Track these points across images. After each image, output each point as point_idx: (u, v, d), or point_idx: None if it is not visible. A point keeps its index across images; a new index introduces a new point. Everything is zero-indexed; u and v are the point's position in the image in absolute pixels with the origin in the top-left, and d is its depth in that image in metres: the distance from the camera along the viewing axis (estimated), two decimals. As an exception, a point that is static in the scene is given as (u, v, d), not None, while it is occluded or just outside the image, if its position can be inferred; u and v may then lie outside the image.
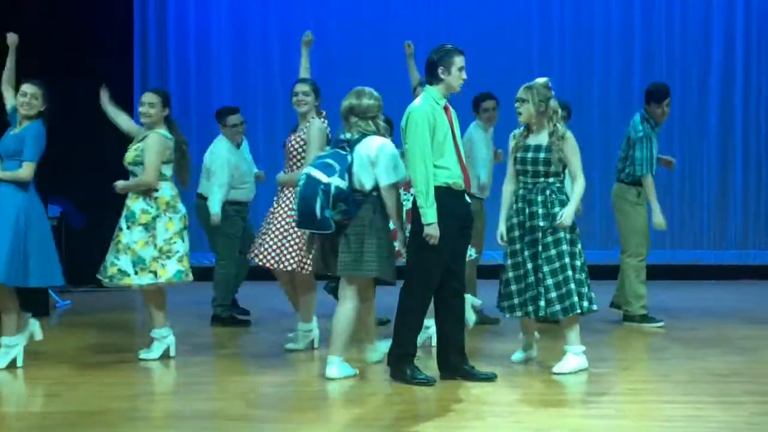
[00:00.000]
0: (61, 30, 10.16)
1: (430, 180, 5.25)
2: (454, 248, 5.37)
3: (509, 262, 5.75)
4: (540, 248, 5.62)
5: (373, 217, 5.41)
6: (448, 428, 4.52)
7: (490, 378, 5.41)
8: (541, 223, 5.63)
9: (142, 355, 6.13)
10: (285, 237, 6.23)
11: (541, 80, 5.76)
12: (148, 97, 6.14)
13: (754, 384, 5.41)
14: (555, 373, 5.58)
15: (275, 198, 6.47)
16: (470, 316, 6.21)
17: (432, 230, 5.23)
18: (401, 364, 5.35)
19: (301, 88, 6.42)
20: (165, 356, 6.14)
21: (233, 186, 7.65)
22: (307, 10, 11.19)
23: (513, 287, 5.72)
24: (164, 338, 6.18)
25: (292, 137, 6.38)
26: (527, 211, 5.69)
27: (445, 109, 5.42)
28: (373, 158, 5.42)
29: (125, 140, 6.30)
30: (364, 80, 11.16)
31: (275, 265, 6.23)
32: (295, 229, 6.01)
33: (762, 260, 10.59)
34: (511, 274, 5.73)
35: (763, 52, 10.91)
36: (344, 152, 5.46)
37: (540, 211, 5.64)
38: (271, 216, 6.36)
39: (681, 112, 10.74)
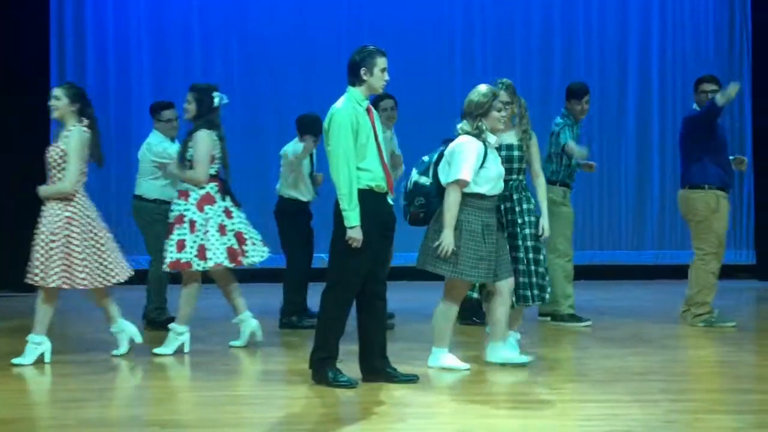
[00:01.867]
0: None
1: (353, 183, 5.24)
2: (376, 251, 5.36)
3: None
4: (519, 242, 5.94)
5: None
6: (371, 431, 4.50)
7: (411, 380, 5.42)
8: (519, 219, 5.94)
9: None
10: (48, 252, 5.98)
11: (507, 81, 5.99)
12: None
13: (670, 382, 5.52)
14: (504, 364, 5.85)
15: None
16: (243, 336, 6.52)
17: (355, 234, 5.21)
18: (323, 367, 5.33)
19: (53, 93, 6.23)
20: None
21: (169, 184, 7.52)
22: (229, 7, 11.10)
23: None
24: None
25: (51, 147, 6.16)
26: (503, 207, 5.94)
27: (368, 110, 5.40)
28: (449, 157, 5.61)
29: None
30: (286, 79, 11.17)
31: (41, 282, 6.01)
32: (58, 244, 5.96)
33: (678, 260, 10.79)
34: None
35: (678, 54, 11.19)
36: (440, 149, 5.68)
37: (516, 207, 5.95)
38: (37, 231, 6.08)
39: (599, 115, 10.94)
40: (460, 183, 5.56)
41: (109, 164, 10.75)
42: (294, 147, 7.64)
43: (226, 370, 5.93)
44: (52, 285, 5.96)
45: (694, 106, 7.66)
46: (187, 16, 11.09)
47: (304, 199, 7.71)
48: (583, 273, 9.24)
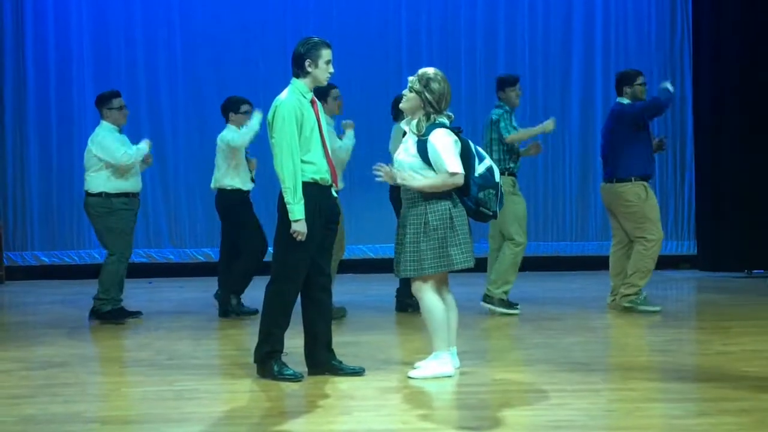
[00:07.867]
0: None
1: (297, 176, 5.21)
2: (320, 243, 5.34)
3: None
4: None
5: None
6: (316, 424, 4.49)
7: (357, 372, 5.42)
8: None
9: None
10: None
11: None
12: None
13: (612, 371, 5.60)
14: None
15: None
16: None
17: (299, 227, 5.18)
18: (268, 360, 5.30)
19: None
20: None
21: (120, 176, 7.42)
22: (173, 3, 10.99)
23: None
24: None
25: None
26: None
27: (312, 102, 5.37)
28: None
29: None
30: (230, 75, 11.02)
31: None
32: None
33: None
34: None
35: (621, 48, 11.33)
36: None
37: None
38: None
39: (544, 108, 11.03)
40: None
41: (50, 160, 10.73)
42: (230, 134, 7.63)
43: (169, 364, 5.87)
44: None
45: (621, 99, 7.82)
46: (130, 6, 10.96)
47: (244, 188, 7.67)
48: (528, 264, 9.35)
